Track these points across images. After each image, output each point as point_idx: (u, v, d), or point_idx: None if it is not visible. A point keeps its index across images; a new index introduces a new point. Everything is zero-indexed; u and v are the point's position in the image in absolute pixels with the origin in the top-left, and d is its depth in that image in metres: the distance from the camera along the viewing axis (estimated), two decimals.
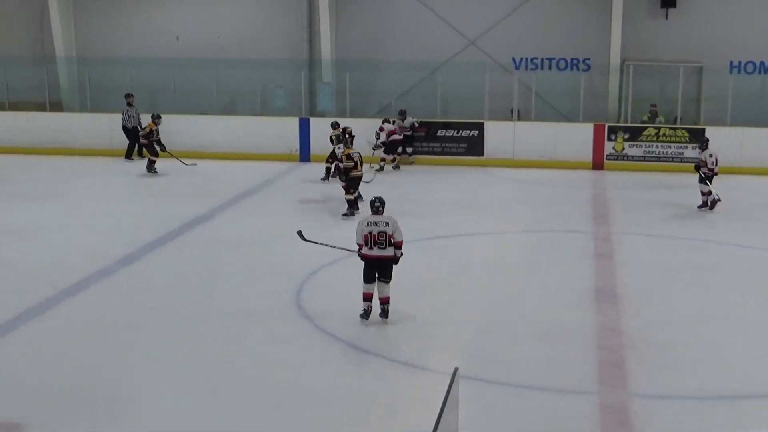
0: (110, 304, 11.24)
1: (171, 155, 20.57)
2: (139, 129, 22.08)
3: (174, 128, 22.91)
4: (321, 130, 22.51)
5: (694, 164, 17.34)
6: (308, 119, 23.26)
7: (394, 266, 10.36)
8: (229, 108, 24.20)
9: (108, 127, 23.53)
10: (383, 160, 21.36)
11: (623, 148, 21.87)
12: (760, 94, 22.94)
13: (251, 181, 19.75)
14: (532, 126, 22.35)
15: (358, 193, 16.35)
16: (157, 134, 20.72)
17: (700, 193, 16.98)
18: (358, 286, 10.42)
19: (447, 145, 22.56)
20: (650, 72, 22.94)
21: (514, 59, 23.96)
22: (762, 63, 23.10)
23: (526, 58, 23.95)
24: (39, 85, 24.88)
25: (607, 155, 21.95)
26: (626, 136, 21.88)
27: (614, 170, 21.67)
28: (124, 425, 7.91)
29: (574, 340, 9.98)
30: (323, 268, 12.70)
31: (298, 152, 22.79)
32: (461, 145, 22.49)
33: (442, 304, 11.35)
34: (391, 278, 10.35)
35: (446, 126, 22.57)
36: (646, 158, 21.85)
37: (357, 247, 10.47)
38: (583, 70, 23.61)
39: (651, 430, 7.87)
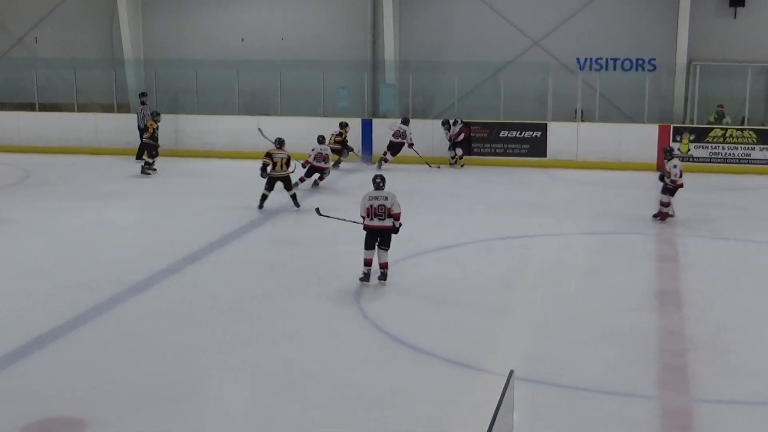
0: (174, 302, 11.40)
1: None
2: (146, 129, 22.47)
3: (240, 128, 23.23)
4: (384, 131, 22.64)
5: (659, 174, 16.31)
6: (371, 120, 23.36)
7: (393, 236, 11.83)
8: (292, 109, 24.35)
9: (173, 128, 23.86)
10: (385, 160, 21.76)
11: (689, 150, 21.58)
12: None
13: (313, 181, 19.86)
14: (595, 127, 22.16)
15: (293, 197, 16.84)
16: (157, 131, 21.16)
17: (659, 203, 16.02)
18: (417, 287, 10.44)
19: (509, 146, 22.48)
20: (717, 72, 22.58)
21: (578, 59, 23.75)
22: None
23: (591, 59, 23.72)
24: (107, 87, 25.35)
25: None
26: (692, 137, 21.59)
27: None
28: (187, 423, 8.01)
29: (637, 343, 9.88)
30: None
31: (360, 152, 22.85)
32: (524, 146, 22.40)
33: (503, 304, 11.33)
34: (389, 246, 11.79)
35: (509, 127, 22.48)
36: (713, 160, 21.53)
37: (361, 219, 11.83)
38: (649, 71, 23.30)
39: None
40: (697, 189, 19.36)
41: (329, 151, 19.68)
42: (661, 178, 16.00)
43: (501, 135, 22.47)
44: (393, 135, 21.63)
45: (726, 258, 13.72)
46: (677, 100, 22.82)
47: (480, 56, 23.94)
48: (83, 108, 25.36)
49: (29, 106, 25.62)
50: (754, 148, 21.30)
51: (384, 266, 11.81)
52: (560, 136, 22.17)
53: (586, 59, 23.73)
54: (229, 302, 11.36)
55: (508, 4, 24.07)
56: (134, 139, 23.74)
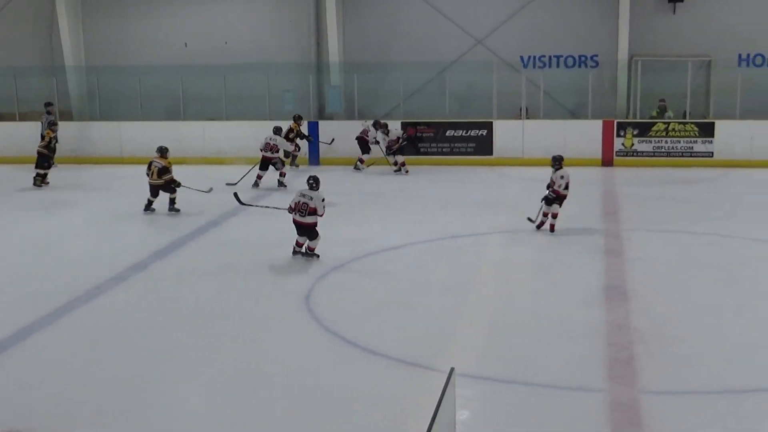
0: (123, 310, 11.30)
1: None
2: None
3: (183, 134, 23.07)
4: (330, 132, 22.65)
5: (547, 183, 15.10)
6: (317, 122, 23.33)
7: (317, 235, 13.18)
8: (238, 113, 24.22)
9: (118, 135, 23.66)
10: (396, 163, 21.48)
11: (632, 144, 21.87)
12: None
13: (261, 184, 19.79)
14: (540, 124, 22.36)
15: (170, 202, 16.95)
16: (56, 141, 20.94)
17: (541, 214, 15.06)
18: (367, 288, 10.45)
19: (456, 144, 22.59)
20: (658, 67, 22.90)
21: (521, 57, 23.96)
22: None
23: (534, 56, 23.94)
24: (48, 95, 25.01)
25: (616, 151, 21.95)
26: (635, 132, 21.87)
27: (624, 166, 21.66)
28: (144, 429, 7.95)
29: (585, 337, 9.99)
30: (334, 270, 12.77)
31: (306, 154, 22.84)
32: (470, 145, 22.52)
33: (455, 303, 11.38)
34: (314, 238, 13.18)
35: (455, 126, 22.58)
36: (656, 154, 21.83)
37: (288, 208, 13.23)
38: (591, 67, 23.60)
39: (662, 427, 7.86)
40: (642, 183, 19.67)
41: (278, 143, 19.80)
42: (548, 187, 14.95)
43: (447, 134, 22.57)
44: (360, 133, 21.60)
45: (671, 250, 13.89)
46: (620, 96, 23.12)
47: (424, 56, 24.03)
48: (25, 116, 24.99)
49: None
50: (696, 141, 21.63)
51: (310, 249, 13.27)
52: (506, 133, 22.34)
53: (529, 57, 23.95)
54: (182, 308, 11.30)
55: (451, 4, 24.18)
56: (76, 147, 23.55)
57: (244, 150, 22.83)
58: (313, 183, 13.15)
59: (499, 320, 10.74)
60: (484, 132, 22.47)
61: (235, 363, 9.44)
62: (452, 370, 6.33)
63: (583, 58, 23.76)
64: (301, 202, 13.02)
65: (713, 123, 21.72)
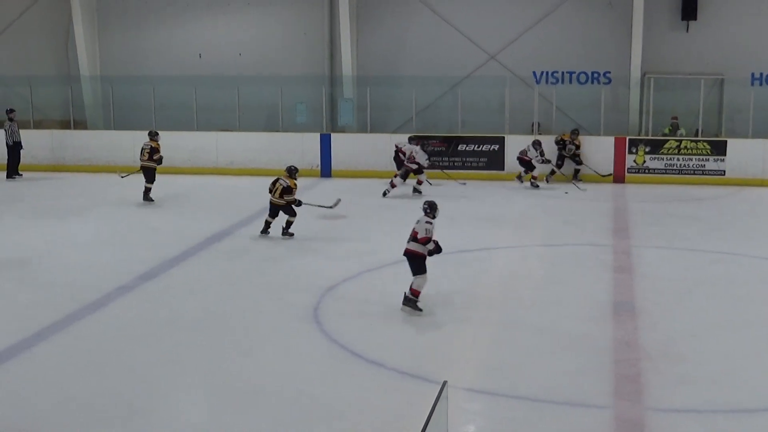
0: (129, 318, 11.36)
1: None
2: (21, 146, 22.71)
3: (196, 145, 23.20)
4: (342, 145, 22.73)
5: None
6: (329, 135, 23.41)
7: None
8: (250, 124, 24.31)
9: (131, 144, 23.76)
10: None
11: (644, 161, 21.85)
12: None
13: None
14: (553, 139, 22.34)
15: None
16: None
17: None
18: (375, 301, 10.47)
19: (468, 159, 22.62)
20: (671, 85, 22.92)
21: (534, 73, 23.99)
22: None
23: (547, 72, 23.97)
24: (64, 104, 25.21)
25: (628, 168, 21.94)
26: (647, 149, 21.85)
27: (635, 183, 21.65)
28: None
29: (591, 353, 9.98)
30: (342, 283, 12.78)
31: (319, 167, 22.92)
32: (482, 159, 22.55)
33: (461, 317, 11.39)
34: (414, 272, 11.26)
35: (467, 140, 22.62)
36: (668, 171, 21.81)
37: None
38: (604, 84, 23.60)
39: None
40: (653, 200, 19.64)
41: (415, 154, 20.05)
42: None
43: (459, 148, 22.61)
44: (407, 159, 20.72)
45: (680, 268, 13.87)
46: (632, 113, 23.10)
47: (437, 71, 24.10)
48: (39, 125, 25.17)
49: None
50: (708, 159, 21.61)
51: (413, 293, 11.30)
52: (518, 149, 22.30)
53: (542, 73, 23.98)
54: (185, 318, 11.34)
55: (465, 19, 24.24)
56: (90, 156, 23.68)
57: (255, 162, 22.97)
58: (427, 208, 11.63)
59: (505, 334, 10.75)
60: (496, 147, 22.49)
61: (238, 374, 9.46)
62: (445, 383, 6.35)
63: (595, 75, 23.79)
64: (412, 229, 11.50)
65: (725, 141, 21.70)
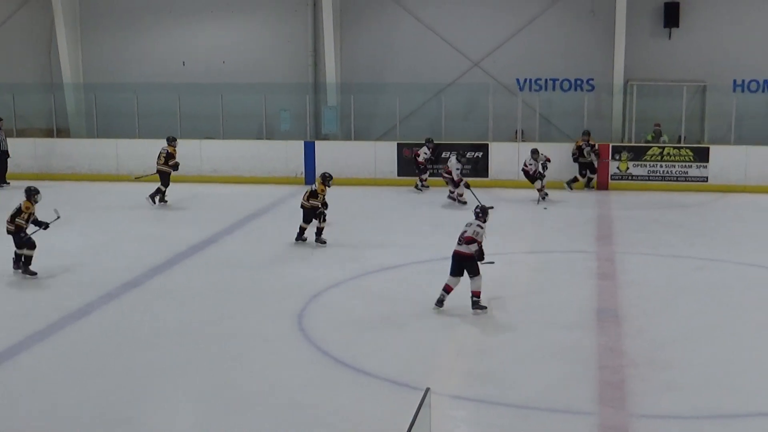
0: (116, 327, 11.34)
1: None
2: (8, 153, 22.85)
3: (180, 153, 23.11)
4: (326, 153, 22.72)
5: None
6: (313, 143, 23.40)
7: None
8: (234, 132, 24.27)
9: (114, 152, 23.74)
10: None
11: (627, 168, 21.92)
12: (764, 112, 22.88)
13: (257, 204, 19.87)
14: (536, 146, 22.35)
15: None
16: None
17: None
18: (360, 308, 10.47)
19: None
20: (654, 91, 23.02)
21: (518, 80, 24.04)
22: (766, 81, 23.04)
23: (530, 80, 24.03)
24: (46, 112, 25.09)
25: (611, 175, 21.99)
26: (630, 156, 21.93)
27: (618, 190, 21.72)
28: None
29: (576, 360, 10.01)
30: (328, 290, 12.78)
31: (303, 175, 22.89)
32: (466, 167, 22.51)
33: (446, 324, 11.40)
34: (473, 273, 11.62)
35: (451, 147, 22.62)
36: (651, 178, 21.89)
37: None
38: (587, 91, 23.66)
39: None
40: (636, 207, 19.71)
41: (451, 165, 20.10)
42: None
43: (443, 156, 22.60)
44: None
45: (665, 274, 13.93)
46: (615, 120, 23.18)
47: (421, 78, 24.11)
48: (23, 133, 25.06)
49: None
50: (691, 166, 21.70)
51: (475, 294, 11.74)
52: (502, 156, 22.40)
53: (525, 80, 24.03)
54: (171, 327, 11.33)
55: (448, 27, 24.28)
56: (73, 164, 23.62)
57: (239, 170, 22.94)
58: (479, 212, 12.13)
59: (489, 341, 10.79)
60: (480, 154, 22.53)
61: (224, 380, 9.46)
62: (428, 390, 6.38)
63: (579, 82, 23.86)
64: (461, 232, 11.94)
65: (708, 148, 21.80)
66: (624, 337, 10.77)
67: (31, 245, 13.67)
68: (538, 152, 20.50)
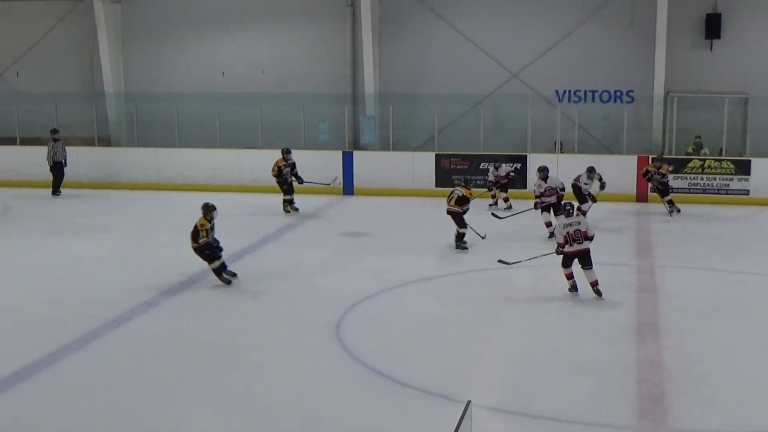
0: (153, 336, 11.40)
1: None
2: (65, 164, 22.98)
3: (219, 162, 23.30)
4: (364, 163, 22.74)
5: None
6: (351, 153, 23.44)
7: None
8: (273, 142, 24.36)
9: (154, 161, 23.92)
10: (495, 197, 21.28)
11: (669, 172, 21.69)
12: None
13: (295, 214, 19.91)
14: (575, 158, 22.24)
15: None
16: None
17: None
18: (397, 319, 10.46)
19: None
20: (695, 103, 22.80)
21: (557, 92, 23.95)
22: None
23: (569, 91, 23.92)
24: (88, 121, 25.35)
25: (651, 187, 21.80)
26: (671, 168, 21.71)
27: (658, 202, 21.49)
28: None
29: (615, 373, 9.92)
30: (364, 300, 12.77)
31: (341, 184, 22.86)
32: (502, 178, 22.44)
33: (482, 336, 11.36)
34: (591, 265, 12.69)
35: (489, 159, 22.55)
36: (691, 190, 21.67)
37: (556, 249, 12.90)
38: (627, 102, 23.51)
39: None
40: (676, 220, 19.51)
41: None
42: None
43: (481, 167, 22.55)
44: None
45: (704, 288, 13.78)
46: (655, 132, 23.00)
47: (459, 89, 24.09)
48: (64, 142, 25.29)
49: (10, 141, 25.57)
50: (732, 179, 21.47)
51: (594, 284, 12.77)
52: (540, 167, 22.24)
53: (564, 91, 23.93)
54: (208, 335, 11.37)
55: (487, 38, 24.25)
56: (114, 173, 23.89)
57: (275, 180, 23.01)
58: (570, 209, 12.83)
59: (528, 354, 10.70)
60: (518, 165, 22.44)
61: (259, 393, 9.47)
62: (469, 402, 6.34)
63: (618, 93, 23.71)
64: (572, 231, 12.69)
65: (749, 161, 21.56)
66: (664, 351, 10.66)
67: (212, 258, 13.82)
68: (595, 170, 19.19)
